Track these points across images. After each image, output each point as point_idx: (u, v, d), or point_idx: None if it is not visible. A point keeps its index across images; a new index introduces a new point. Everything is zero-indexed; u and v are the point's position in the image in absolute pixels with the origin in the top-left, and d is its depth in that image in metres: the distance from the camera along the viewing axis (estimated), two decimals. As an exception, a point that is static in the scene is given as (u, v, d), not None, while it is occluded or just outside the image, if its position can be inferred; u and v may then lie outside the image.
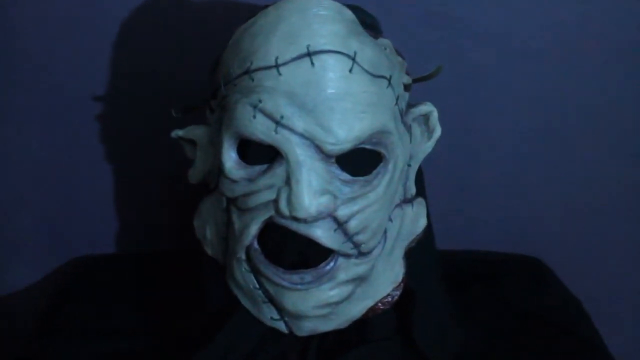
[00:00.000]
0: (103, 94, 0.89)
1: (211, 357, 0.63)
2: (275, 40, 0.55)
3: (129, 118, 0.90)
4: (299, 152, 0.56)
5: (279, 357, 0.63)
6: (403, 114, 0.62)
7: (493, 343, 0.71)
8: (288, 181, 0.56)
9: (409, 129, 0.63)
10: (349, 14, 0.57)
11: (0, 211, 0.94)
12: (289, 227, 0.57)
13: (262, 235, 0.59)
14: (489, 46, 0.88)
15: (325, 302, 0.59)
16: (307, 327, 0.61)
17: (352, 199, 0.58)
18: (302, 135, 0.55)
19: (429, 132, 0.65)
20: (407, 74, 0.63)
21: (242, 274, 0.61)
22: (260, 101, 0.55)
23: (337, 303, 0.60)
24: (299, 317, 0.60)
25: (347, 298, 0.60)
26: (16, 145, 0.91)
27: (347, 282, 0.60)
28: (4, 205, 0.94)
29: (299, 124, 0.55)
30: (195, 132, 0.64)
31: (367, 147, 0.57)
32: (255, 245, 0.59)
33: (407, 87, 0.63)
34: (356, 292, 0.61)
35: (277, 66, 0.55)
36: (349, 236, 0.58)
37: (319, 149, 0.56)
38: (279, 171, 0.57)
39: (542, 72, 0.90)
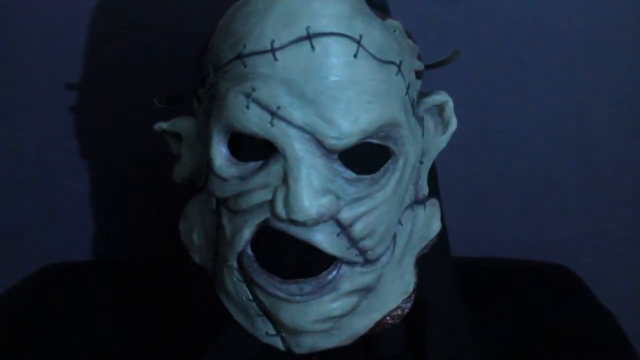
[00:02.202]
0: (76, 84, 0.89)
1: (199, 377, 0.63)
2: (271, 21, 0.55)
3: (106, 110, 0.90)
4: (297, 147, 0.56)
5: (274, 377, 0.64)
6: (414, 105, 0.62)
7: (515, 362, 0.71)
8: (285, 180, 0.56)
9: (421, 121, 0.63)
10: (353, -8, 0.57)
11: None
12: (286, 232, 0.57)
13: (256, 241, 0.59)
14: (510, 28, 0.88)
15: (327, 315, 0.59)
16: (307, 344, 0.61)
17: (357, 200, 0.58)
18: (301, 128, 0.55)
19: (444, 124, 0.65)
20: (419, 59, 0.63)
21: (234, 283, 0.61)
22: (253, 90, 0.55)
23: (340, 316, 0.60)
24: (297, 332, 0.60)
25: (351, 311, 0.60)
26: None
27: (352, 293, 0.60)
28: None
29: (298, 115, 0.55)
30: (181, 124, 0.64)
31: (374, 141, 0.57)
32: (249, 251, 0.59)
33: (419, 74, 0.63)
34: (362, 304, 0.61)
35: (273, 50, 0.55)
36: (353, 241, 0.58)
37: (320, 143, 0.56)
38: (275, 168, 0.57)
39: (571, 57, 0.90)
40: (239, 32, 0.57)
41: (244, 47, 0.56)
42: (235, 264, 0.60)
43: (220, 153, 0.58)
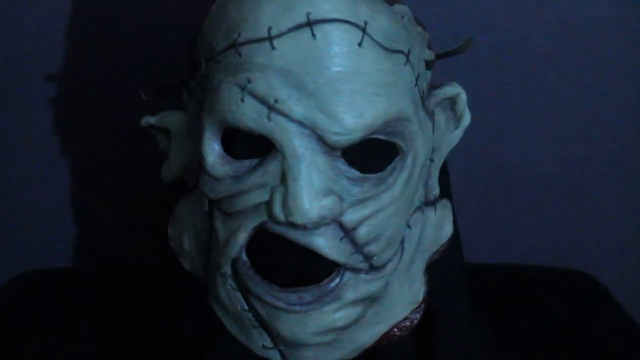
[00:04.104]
0: (55, 75, 0.89)
1: (190, 394, 0.64)
2: (268, 6, 0.56)
3: (88, 104, 0.90)
4: (296, 144, 0.56)
5: (271, 394, 0.64)
6: (424, 98, 0.62)
7: (535, 378, 0.72)
8: (283, 179, 0.56)
9: (431, 115, 0.63)
10: (358, -26, 0.57)
11: None
12: (284, 236, 0.57)
13: (251, 246, 0.59)
14: (527, 14, 0.88)
15: (329, 326, 0.59)
16: (307, 358, 0.61)
17: (362, 201, 0.58)
18: (300, 123, 0.56)
19: (456, 119, 0.65)
20: (430, 48, 0.64)
21: (228, 292, 0.62)
22: (249, 81, 0.55)
23: (343, 328, 0.60)
24: (296, 345, 0.60)
25: (355, 322, 0.61)
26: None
27: (356, 302, 0.60)
28: None
29: (297, 109, 0.55)
30: (170, 119, 0.65)
31: (381, 137, 0.58)
32: (244, 257, 0.60)
33: (429, 64, 0.63)
34: (366, 314, 0.61)
35: (270, 38, 0.55)
36: (357, 246, 0.58)
37: (321, 140, 0.56)
38: (272, 167, 0.57)
39: (597, 47, 0.90)
40: (234, 19, 0.57)
41: (239, 34, 0.56)
42: (229, 271, 0.60)
43: (212, 150, 0.59)
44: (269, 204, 0.57)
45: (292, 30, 0.55)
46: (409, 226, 0.62)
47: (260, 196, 0.57)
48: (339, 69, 0.55)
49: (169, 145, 0.66)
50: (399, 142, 0.59)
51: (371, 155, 0.58)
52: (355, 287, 0.59)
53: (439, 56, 0.64)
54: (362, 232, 0.58)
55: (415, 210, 0.63)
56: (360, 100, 0.56)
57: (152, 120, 0.65)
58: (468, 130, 0.65)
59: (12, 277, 0.93)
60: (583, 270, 0.89)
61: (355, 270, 0.59)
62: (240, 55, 0.56)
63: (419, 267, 0.64)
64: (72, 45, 0.89)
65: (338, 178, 0.57)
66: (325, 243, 0.57)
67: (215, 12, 0.60)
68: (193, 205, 0.64)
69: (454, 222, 0.67)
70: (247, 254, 0.60)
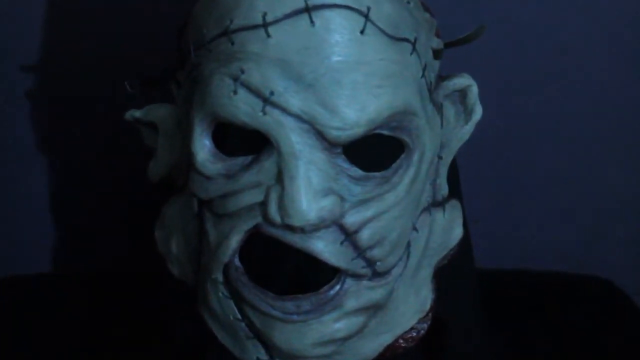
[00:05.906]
0: (31, 65, 0.89)
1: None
2: (262, -10, 0.56)
3: (67, 94, 0.90)
4: (294, 140, 0.56)
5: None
6: (432, 89, 0.62)
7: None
8: (280, 178, 0.56)
9: (439, 108, 0.63)
10: (360, -44, 0.57)
11: None
12: (280, 239, 0.57)
13: (245, 250, 0.59)
14: (544, 1, 0.88)
15: (329, 337, 0.59)
16: (305, 371, 0.61)
17: (365, 202, 0.58)
18: (298, 117, 0.55)
19: (466, 113, 0.65)
20: (438, 36, 0.64)
21: (219, 300, 0.61)
22: (242, 72, 0.55)
23: (344, 339, 0.60)
24: (294, 357, 0.60)
25: (357, 332, 0.61)
26: None
27: (358, 311, 0.60)
28: None
29: (295, 102, 0.55)
30: (158, 113, 0.64)
31: (385, 132, 0.58)
32: (237, 262, 0.59)
33: (437, 54, 0.63)
34: (370, 324, 0.61)
35: (265, 25, 0.55)
36: (360, 251, 0.58)
37: (320, 135, 0.56)
38: (267, 165, 0.57)
39: (619, 34, 0.90)
40: (226, 3, 0.57)
41: (232, 21, 0.56)
42: (220, 277, 0.60)
43: (203, 147, 0.58)
44: (263, 204, 0.57)
45: (289, 16, 0.55)
46: (415, 229, 0.62)
47: (255, 196, 0.57)
48: (339, 58, 0.55)
49: (156, 142, 0.65)
50: (405, 137, 0.58)
51: (374, 152, 0.58)
52: (357, 294, 0.59)
53: (448, 45, 0.64)
54: (364, 235, 0.58)
55: (422, 212, 0.62)
56: (363, 93, 0.55)
57: (137, 114, 0.65)
58: (479, 125, 0.65)
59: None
60: (601, 276, 0.89)
61: (357, 276, 0.59)
62: (232, 44, 0.56)
63: (427, 273, 0.64)
64: (52, 31, 0.89)
65: (339, 177, 0.57)
66: (324, 247, 0.57)
67: (205, -3, 0.60)
68: (182, 206, 0.63)
69: (464, 224, 0.67)
70: (240, 259, 0.59)
